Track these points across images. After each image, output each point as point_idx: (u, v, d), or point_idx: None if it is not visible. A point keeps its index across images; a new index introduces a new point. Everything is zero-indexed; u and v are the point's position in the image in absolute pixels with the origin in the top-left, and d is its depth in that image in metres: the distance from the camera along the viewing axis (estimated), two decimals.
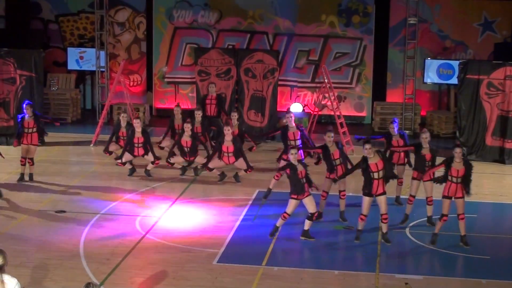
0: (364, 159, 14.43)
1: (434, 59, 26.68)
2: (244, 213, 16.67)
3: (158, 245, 14.62)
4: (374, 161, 14.35)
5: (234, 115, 20.35)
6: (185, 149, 19.11)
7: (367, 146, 14.34)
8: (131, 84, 28.07)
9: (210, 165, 18.80)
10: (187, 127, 19.02)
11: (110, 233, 15.16)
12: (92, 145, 23.01)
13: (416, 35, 26.18)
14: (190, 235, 15.18)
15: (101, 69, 27.18)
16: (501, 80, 21.77)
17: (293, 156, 14.54)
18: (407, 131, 25.50)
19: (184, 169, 19.64)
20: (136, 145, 19.07)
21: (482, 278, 13.25)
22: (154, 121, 26.83)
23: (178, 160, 19.38)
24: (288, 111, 19.25)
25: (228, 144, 18.54)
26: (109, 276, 12.97)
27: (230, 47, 27.11)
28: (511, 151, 21.86)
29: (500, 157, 21.96)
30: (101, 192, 18.06)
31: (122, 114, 19.98)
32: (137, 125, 19.11)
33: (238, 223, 15.99)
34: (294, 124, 18.33)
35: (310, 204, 14.59)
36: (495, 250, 14.80)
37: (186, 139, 19.08)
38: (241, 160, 18.72)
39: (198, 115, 20.36)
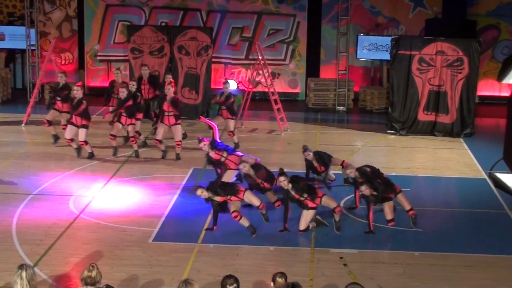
0: (287, 192, 14.06)
1: (367, 35, 26.86)
2: (179, 191, 16.63)
3: (92, 225, 14.50)
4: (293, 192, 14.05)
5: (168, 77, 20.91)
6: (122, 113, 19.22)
7: (282, 178, 13.94)
8: (63, 62, 27.68)
9: (158, 136, 18.96)
10: (122, 91, 19.10)
11: (43, 214, 14.97)
12: (23, 124, 22.63)
13: (349, 11, 26.31)
14: (124, 214, 15.09)
15: (32, 48, 26.72)
16: (432, 56, 22.03)
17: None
18: (340, 107, 25.81)
19: (115, 150, 19.43)
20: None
21: (415, 250, 13.46)
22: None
23: (117, 127, 19.32)
24: (226, 82, 20.42)
25: (168, 103, 18.78)
26: (42, 257, 12.83)
27: (163, 24, 26.90)
28: (442, 125, 22.18)
29: (431, 131, 22.27)
30: (34, 172, 17.82)
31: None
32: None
33: (173, 201, 15.94)
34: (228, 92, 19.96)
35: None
36: (427, 223, 15.01)
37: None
38: (178, 128, 18.91)
39: (133, 85, 20.18)
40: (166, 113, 18.89)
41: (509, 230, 14.63)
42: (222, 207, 14.04)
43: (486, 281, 12.33)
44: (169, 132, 19.23)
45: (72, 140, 19.00)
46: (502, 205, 15.99)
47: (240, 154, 16.51)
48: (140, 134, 19.84)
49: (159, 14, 27.41)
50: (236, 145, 19.82)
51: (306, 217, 14.07)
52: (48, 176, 17.47)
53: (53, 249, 13.22)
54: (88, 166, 18.51)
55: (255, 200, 14.36)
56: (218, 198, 13.88)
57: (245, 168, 15.21)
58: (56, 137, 20.17)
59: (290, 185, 13.85)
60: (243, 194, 14.10)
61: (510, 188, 17.06)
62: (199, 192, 13.83)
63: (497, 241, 14.07)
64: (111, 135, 19.24)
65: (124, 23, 27.12)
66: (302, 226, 14.07)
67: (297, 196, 13.89)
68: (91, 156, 19.00)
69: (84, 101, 18.80)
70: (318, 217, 14.28)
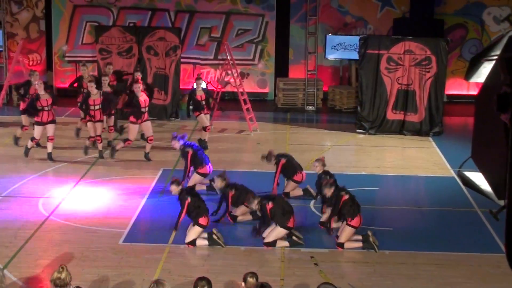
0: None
1: (335, 35, 26.95)
2: (149, 192, 16.58)
3: (62, 226, 14.43)
4: None
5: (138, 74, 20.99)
6: (92, 107, 18.95)
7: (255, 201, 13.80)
8: (31, 63, 27.46)
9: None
10: (91, 86, 18.96)
11: (12, 216, 14.87)
12: None
13: (317, 11, 26.41)
14: (95, 216, 15.02)
15: None
16: (400, 55, 22.16)
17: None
18: (309, 107, 25.87)
19: (86, 149, 19.33)
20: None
21: (385, 249, 13.52)
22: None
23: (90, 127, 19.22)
24: (198, 78, 20.62)
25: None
26: (12, 259, 12.75)
27: (131, 24, 26.81)
28: (411, 124, 22.32)
29: (400, 130, 22.40)
30: (2, 174, 17.68)
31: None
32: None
33: (143, 202, 15.90)
34: (201, 88, 20.23)
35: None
36: (397, 222, 15.11)
37: (93, 98, 18.94)
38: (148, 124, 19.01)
39: (105, 81, 20.07)
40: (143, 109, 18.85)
41: (477, 228, 14.75)
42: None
43: (455, 279, 12.43)
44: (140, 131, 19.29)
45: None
46: (471, 203, 16.11)
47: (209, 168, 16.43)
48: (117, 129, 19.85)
49: (127, 14, 27.31)
50: (204, 144, 19.78)
51: (276, 233, 13.55)
52: (17, 178, 17.34)
53: (22, 251, 13.14)
54: (57, 167, 18.40)
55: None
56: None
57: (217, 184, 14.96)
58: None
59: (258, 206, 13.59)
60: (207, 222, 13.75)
61: (478, 186, 17.17)
62: (173, 186, 13.78)
63: (466, 239, 14.19)
64: (92, 136, 19.24)
65: (92, 24, 26.99)
66: (269, 238, 13.54)
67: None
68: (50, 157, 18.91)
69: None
70: (294, 237, 13.62)
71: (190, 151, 16.20)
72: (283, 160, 15.95)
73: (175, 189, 13.77)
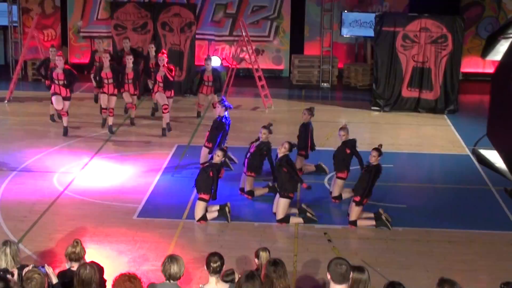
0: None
1: (351, 12, 26.81)
2: (163, 167, 16.61)
3: (76, 201, 14.49)
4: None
5: (152, 47, 21.34)
6: (105, 80, 18.98)
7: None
8: (45, 39, 27.45)
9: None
10: (105, 57, 18.96)
11: (27, 191, 14.94)
12: (6, 101, 22.47)
13: None
14: (109, 191, 15.07)
15: (14, 24, 26.52)
16: (416, 32, 22.03)
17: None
18: (324, 84, 25.82)
19: (104, 121, 19.49)
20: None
21: (399, 226, 13.52)
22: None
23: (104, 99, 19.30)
24: (207, 58, 20.81)
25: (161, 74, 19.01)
26: (27, 233, 12.83)
27: (147, 1, 26.70)
28: (426, 101, 22.23)
29: (415, 108, 22.32)
30: (17, 149, 17.74)
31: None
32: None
33: (157, 178, 15.93)
34: (210, 68, 20.52)
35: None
36: (411, 199, 15.09)
37: (105, 71, 18.95)
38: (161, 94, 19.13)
39: (130, 59, 19.91)
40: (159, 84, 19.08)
41: (491, 206, 14.73)
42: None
43: (468, 256, 12.42)
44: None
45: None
46: (485, 181, 16.08)
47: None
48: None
49: None
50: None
51: (283, 206, 13.58)
52: (32, 153, 17.40)
53: (37, 225, 13.21)
54: (72, 142, 18.45)
55: None
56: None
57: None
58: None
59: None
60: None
61: (493, 164, 17.19)
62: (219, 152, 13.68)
63: (480, 217, 14.17)
64: (104, 108, 19.39)
65: (107, 0, 26.95)
66: (280, 215, 13.59)
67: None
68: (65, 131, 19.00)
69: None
70: (308, 214, 13.66)
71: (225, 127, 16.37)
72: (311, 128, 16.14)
73: (220, 155, 13.70)
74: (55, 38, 27.67)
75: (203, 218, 13.51)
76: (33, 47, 25.17)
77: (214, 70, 20.77)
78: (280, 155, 13.71)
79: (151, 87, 20.15)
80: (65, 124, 18.93)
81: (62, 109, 18.72)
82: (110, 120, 19.19)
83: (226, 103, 16.54)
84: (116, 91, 19.10)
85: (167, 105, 19.03)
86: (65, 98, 18.65)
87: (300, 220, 13.59)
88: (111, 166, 16.73)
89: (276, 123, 20.29)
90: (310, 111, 15.94)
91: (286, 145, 13.65)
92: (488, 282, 11.41)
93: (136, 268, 11.34)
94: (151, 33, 24.17)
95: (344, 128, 15.03)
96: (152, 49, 21.52)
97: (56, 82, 18.55)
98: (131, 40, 23.15)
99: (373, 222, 13.51)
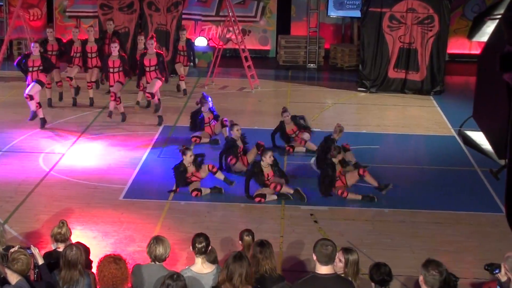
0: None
1: None
2: (149, 148, 16.58)
3: (63, 182, 14.46)
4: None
5: (141, 39, 20.94)
6: (111, 69, 18.26)
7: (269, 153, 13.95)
8: (31, 18, 27.25)
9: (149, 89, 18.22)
10: (115, 47, 18.41)
11: (12, 171, 14.91)
12: None
13: None
14: (95, 171, 15.05)
15: None
16: (403, 13, 22.00)
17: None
18: (311, 65, 25.79)
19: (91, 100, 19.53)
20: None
21: (385, 207, 13.57)
22: None
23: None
24: (181, 28, 22.12)
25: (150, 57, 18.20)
26: (13, 214, 12.81)
27: None
28: (412, 82, 22.24)
29: (402, 89, 22.33)
30: (2, 129, 17.65)
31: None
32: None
33: (143, 158, 15.91)
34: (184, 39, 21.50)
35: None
36: (397, 180, 15.09)
37: (113, 59, 18.32)
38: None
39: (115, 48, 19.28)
40: (147, 68, 18.18)
41: (477, 188, 14.77)
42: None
43: (454, 237, 12.48)
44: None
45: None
46: (471, 162, 16.11)
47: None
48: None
49: None
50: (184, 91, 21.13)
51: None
52: (18, 133, 17.33)
53: (23, 206, 13.19)
54: (58, 123, 18.37)
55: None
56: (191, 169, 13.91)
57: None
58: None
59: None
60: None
61: (479, 145, 17.17)
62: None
63: (466, 198, 14.22)
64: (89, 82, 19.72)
65: None
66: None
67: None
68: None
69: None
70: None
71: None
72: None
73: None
74: (41, 17, 27.48)
75: (198, 189, 13.91)
76: (18, 27, 24.98)
77: (188, 40, 21.62)
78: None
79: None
80: (40, 115, 17.94)
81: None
82: (91, 93, 19.74)
83: (210, 104, 17.23)
84: (122, 79, 18.43)
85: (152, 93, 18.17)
86: (38, 82, 17.84)
87: (275, 197, 13.72)
88: (97, 146, 16.69)
89: (262, 103, 20.33)
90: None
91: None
92: (474, 263, 11.45)
93: (122, 249, 11.35)
94: (137, 12, 24.02)
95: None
96: (141, 41, 20.80)
97: (31, 69, 17.87)
98: (117, 19, 23.04)
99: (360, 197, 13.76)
